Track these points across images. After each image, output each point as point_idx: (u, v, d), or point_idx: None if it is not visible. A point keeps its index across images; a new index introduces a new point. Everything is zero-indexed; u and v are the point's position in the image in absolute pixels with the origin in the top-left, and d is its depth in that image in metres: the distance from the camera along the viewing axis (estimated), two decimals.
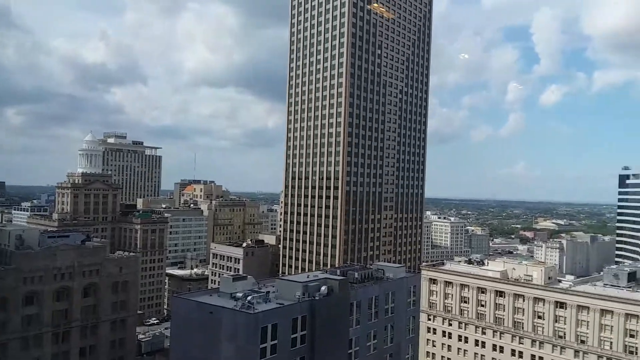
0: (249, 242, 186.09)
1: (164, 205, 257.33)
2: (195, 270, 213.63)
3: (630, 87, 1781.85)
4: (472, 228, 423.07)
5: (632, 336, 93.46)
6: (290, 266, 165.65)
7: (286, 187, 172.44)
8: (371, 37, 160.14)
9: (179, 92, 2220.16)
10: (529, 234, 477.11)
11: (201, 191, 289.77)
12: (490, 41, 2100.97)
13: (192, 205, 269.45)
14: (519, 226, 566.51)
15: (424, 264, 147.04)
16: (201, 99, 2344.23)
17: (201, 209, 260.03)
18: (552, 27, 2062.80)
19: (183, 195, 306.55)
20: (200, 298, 54.92)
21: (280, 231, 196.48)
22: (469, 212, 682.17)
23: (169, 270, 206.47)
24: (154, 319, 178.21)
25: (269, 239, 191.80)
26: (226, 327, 49.03)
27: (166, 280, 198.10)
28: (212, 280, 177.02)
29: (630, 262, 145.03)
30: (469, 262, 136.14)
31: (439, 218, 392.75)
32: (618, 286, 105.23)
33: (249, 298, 51.20)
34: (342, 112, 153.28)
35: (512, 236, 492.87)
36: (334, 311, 55.29)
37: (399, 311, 69.35)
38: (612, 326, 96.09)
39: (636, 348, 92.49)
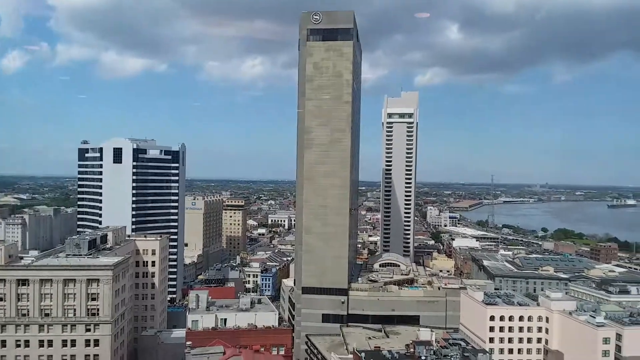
0: None
1: None
2: None
3: (92, 65, 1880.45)
4: None
5: (93, 299, 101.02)
6: None
7: None
8: None
9: None
10: None
11: None
12: None
13: None
14: None
15: None
16: None
17: None
18: None
19: None
20: None
21: None
22: None
23: None
24: None
25: None
26: None
27: None
28: None
29: (91, 230, 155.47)
30: None
31: None
32: (80, 255, 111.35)
33: None
34: None
35: None
36: None
37: None
38: (75, 293, 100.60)
39: (98, 309, 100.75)
